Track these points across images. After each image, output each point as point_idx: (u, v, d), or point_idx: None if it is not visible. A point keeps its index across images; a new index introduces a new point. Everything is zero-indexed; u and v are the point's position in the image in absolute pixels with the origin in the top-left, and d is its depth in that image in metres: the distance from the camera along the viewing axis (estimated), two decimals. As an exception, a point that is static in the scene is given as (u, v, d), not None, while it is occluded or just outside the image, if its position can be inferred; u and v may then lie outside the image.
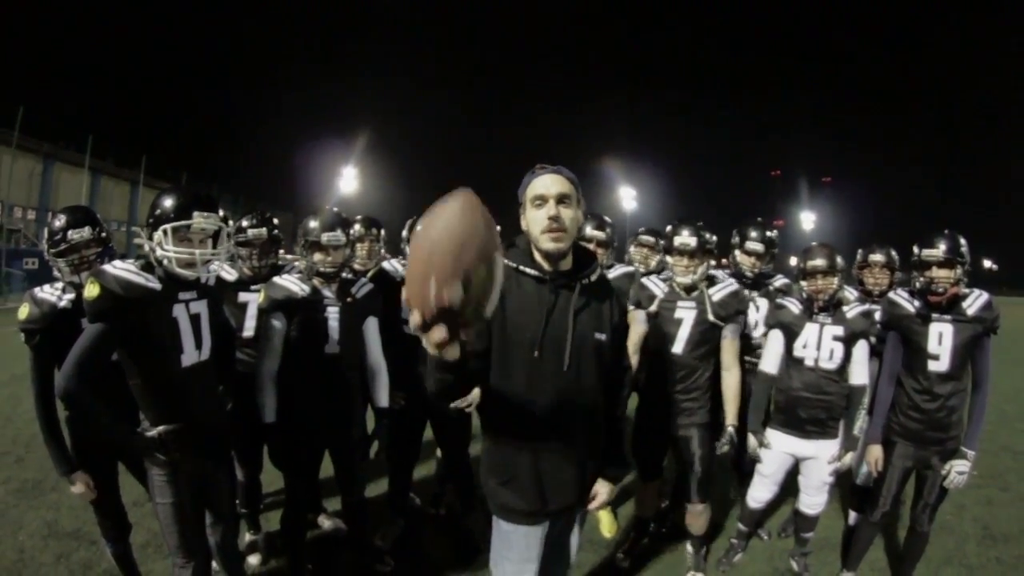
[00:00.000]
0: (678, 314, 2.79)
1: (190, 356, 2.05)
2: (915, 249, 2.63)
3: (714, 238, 2.86)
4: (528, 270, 1.70)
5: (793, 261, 3.69)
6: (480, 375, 1.68)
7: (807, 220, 41.06)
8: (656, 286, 2.88)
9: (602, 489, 1.84)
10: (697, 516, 2.92)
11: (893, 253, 3.36)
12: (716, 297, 2.79)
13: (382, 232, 3.55)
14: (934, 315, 2.62)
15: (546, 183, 1.67)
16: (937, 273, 2.57)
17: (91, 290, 1.85)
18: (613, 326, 1.81)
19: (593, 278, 1.77)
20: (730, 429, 2.83)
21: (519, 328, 1.66)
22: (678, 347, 2.78)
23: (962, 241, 2.56)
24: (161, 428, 1.98)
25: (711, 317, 2.74)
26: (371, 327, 2.75)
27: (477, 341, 1.61)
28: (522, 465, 1.70)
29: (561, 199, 1.65)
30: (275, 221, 2.99)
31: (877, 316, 2.87)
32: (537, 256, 1.72)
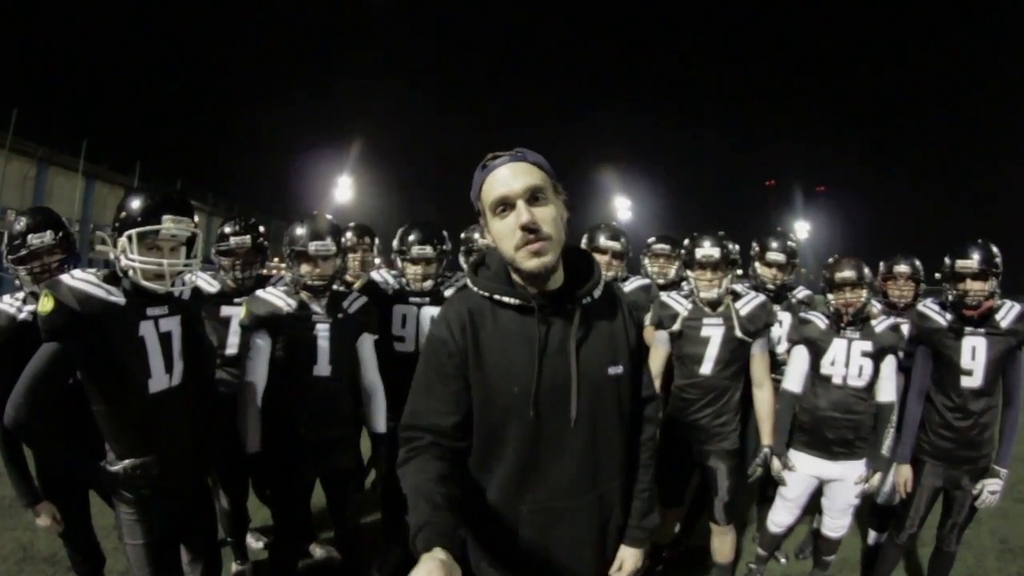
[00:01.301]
0: (705, 332, 2.61)
1: (159, 381, 1.84)
2: (947, 260, 2.53)
3: (737, 247, 2.69)
4: (506, 299, 1.28)
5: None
6: (460, 451, 1.31)
7: (801, 229, 41.38)
8: (678, 303, 2.70)
9: (629, 556, 1.47)
10: (723, 537, 2.77)
11: (918, 263, 3.23)
12: (744, 311, 2.62)
13: (376, 241, 3.35)
14: (967, 328, 2.52)
15: (505, 179, 1.22)
16: (971, 285, 2.47)
17: (44, 304, 1.66)
18: (631, 352, 1.40)
19: (596, 294, 1.35)
20: (766, 450, 2.69)
21: (504, 380, 1.26)
22: (706, 367, 2.61)
23: (995, 250, 2.47)
24: (127, 462, 1.77)
25: (739, 333, 2.57)
26: (365, 345, 2.52)
27: (453, 407, 1.28)
28: (526, 549, 1.32)
29: (532, 196, 1.21)
30: (261, 228, 2.78)
31: (905, 330, 2.74)
32: (516, 277, 1.30)
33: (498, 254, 1.30)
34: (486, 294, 1.30)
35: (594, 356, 1.32)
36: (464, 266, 3.29)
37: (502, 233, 1.24)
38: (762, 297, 2.71)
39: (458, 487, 1.25)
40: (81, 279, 1.72)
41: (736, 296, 2.69)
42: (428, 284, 2.79)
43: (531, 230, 1.20)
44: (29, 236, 2.14)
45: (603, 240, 3.11)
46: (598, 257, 3.05)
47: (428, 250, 2.75)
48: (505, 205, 1.22)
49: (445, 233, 2.90)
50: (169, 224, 1.77)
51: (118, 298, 1.75)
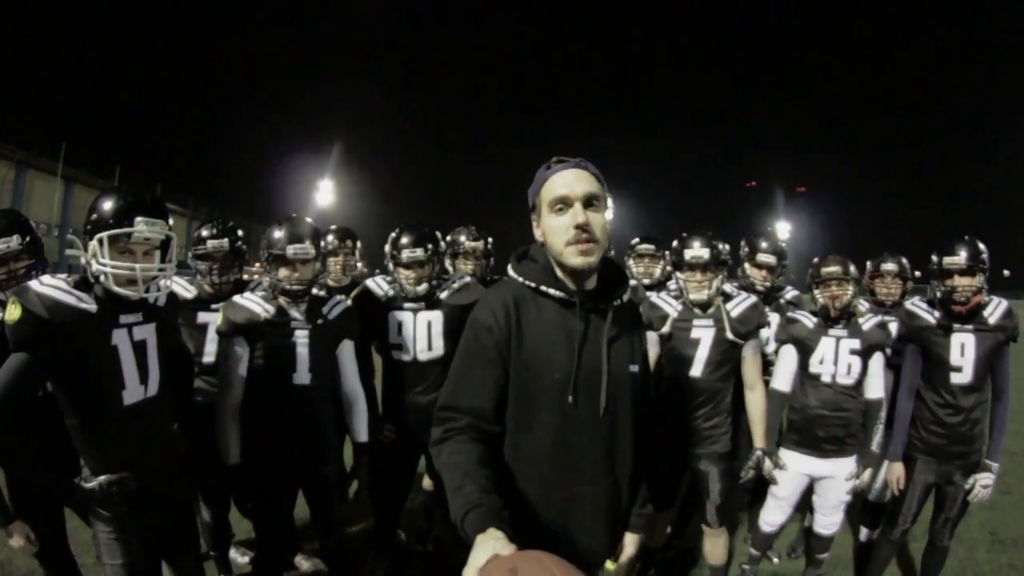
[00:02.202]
0: (695, 334, 2.57)
1: (133, 392, 1.76)
2: (934, 257, 2.55)
3: (727, 247, 2.65)
4: (551, 291, 1.39)
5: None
6: (494, 436, 1.37)
7: (783, 230, 41.84)
8: (668, 304, 2.66)
9: (629, 540, 1.60)
10: (715, 540, 2.75)
11: (904, 261, 3.24)
12: (735, 313, 2.58)
13: (358, 244, 3.27)
14: (955, 325, 2.54)
15: (568, 181, 1.35)
16: (959, 281, 2.49)
17: (12, 312, 1.58)
18: (642, 354, 1.55)
19: (625, 298, 1.50)
20: (758, 453, 2.67)
21: (545, 366, 1.36)
22: (696, 370, 2.58)
23: (982, 247, 2.48)
24: (103, 478, 1.69)
25: (730, 335, 2.54)
26: (346, 352, 2.45)
27: (492, 391, 1.35)
28: (548, 529, 1.39)
29: (589, 201, 1.34)
30: (239, 232, 2.70)
31: (893, 327, 2.76)
32: (560, 273, 1.41)
33: (544, 250, 1.43)
34: (532, 284, 1.40)
35: (620, 354, 1.45)
36: (450, 269, 3.23)
37: (556, 228, 1.35)
38: (753, 298, 2.68)
39: (496, 471, 1.31)
40: (50, 285, 1.64)
41: (727, 297, 2.66)
42: (422, 288, 2.69)
43: (584, 230, 1.32)
44: None
45: None
46: None
47: (419, 253, 2.64)
48: (564, 204, 1.35)
49: (438, 234, 2.82)
50: (142, 227, 1.70)
51: (89, 305, 1.67)
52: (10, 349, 1.60)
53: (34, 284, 1.63)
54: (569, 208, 1.34)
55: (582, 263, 1.34)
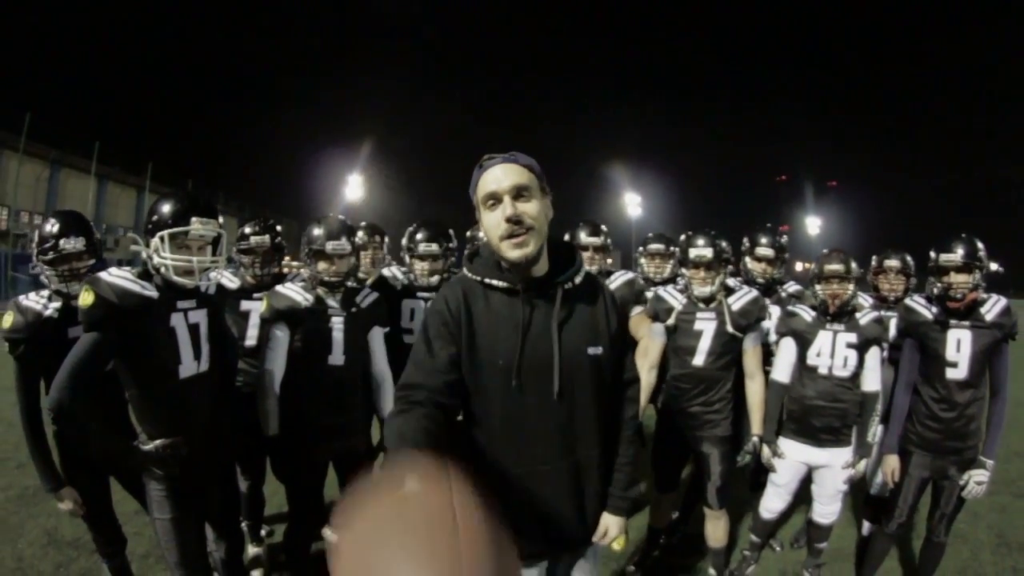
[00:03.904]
0: (698, 326, 2.72)
1: (188, 367, 2.00)
2: (932, 254, 2.58)
3: (728, 245, 2.78)
4: (495, 282, 1.46)
5: (799, 267, 3.64)
6: (455, 409, 1.47)
7: (813, 225, 41.02)
8: (673, 298, 2.82)
9: (611, 523, 1.59)
10: (715, 522, 2.87)
11: (908, 258, 3.29)
12: (736, 306, 2.72)
13: (385, 240, 3.50)
14: (952, 321, 2.57)
15: (496, 176, 1.40)
16: (955, 278, 2.52)
17: (85, 298, 1.81)
18: (611, 336, 1.54)
19: (577, 280, 1.51)
20: (755, 439, 2.79)
21: (491, 353, 1.42)
22: (699, 359, 2.72)
23: (979, 245, 2.51)
24: (158, 441, 1.93)
25: (730, 328, 2.67)
26: (376, 337, 2.68)
27: (448, 368, 1.43)
28: (513, 509, 1.44)
29: (518, 193, 1.39)
30: (278, 228, 2.94)
31: (891, 323, 2.82)
32: (504, 264, 1.47)
33: (489, 247, 1.49)
34: (478, 278, 1.48)
35: (574, 336, 1.48)
36: None
37: (490, 224, 1.42)
38: (755, 292, 2.80)
39: (443, 443, 1.33)
40: (118, 276, 1.88)
41: (729, 291, 2.79)
42: (435, 280, 2.96)
43: (515, 221, 1.38)
44: (61, 241, 2.24)
45: (583, 237, 3.20)
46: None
47: (434, 247, 2.92)
48: (494, 199, 1.40)
49: (451, 232, 3.06)
50: (197, 225, 1.93)
51: (151, 292, 1.90)
52: (84, 330, 1.83)
53: (104, 275, 1.87)
54: (500, 203, 1.39)
55: (518, 255, 1.39)
